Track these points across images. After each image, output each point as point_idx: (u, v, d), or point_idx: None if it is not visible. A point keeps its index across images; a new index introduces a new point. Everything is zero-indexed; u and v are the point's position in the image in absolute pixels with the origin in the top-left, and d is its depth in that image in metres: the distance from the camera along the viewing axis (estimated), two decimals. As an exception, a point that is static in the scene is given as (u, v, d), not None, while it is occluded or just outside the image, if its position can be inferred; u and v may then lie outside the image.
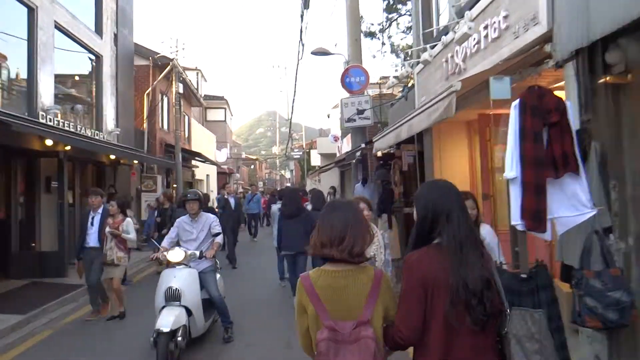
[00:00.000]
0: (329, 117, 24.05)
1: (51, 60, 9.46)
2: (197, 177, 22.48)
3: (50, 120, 9.01)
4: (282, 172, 70.78)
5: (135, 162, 13.36)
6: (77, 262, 6.41)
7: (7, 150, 8.29)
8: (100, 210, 6.33)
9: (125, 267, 6.63)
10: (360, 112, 8.38)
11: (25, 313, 6.12)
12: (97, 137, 11.10)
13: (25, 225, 8.63)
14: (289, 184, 52.74)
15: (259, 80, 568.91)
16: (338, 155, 16.97)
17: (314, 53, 9.63)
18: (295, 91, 16.59)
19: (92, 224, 6.28)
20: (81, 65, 11.74)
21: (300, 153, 33.71)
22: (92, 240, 6.25)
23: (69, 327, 6.17)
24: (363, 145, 7.14)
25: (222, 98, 36.59)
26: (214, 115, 36.38)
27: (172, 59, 14.88)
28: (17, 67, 8.89)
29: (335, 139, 18.18)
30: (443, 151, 6.94)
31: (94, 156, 11.13)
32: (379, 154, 9.16)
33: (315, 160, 26.82)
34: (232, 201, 10.56)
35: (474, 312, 1.65)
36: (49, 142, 8.56)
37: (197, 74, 29.51)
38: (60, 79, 10.36)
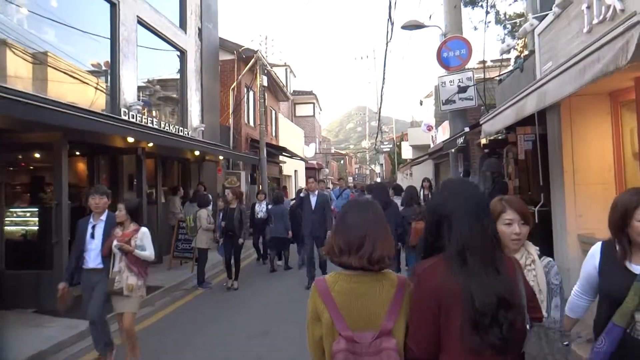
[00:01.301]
0: (421, 104, 22.32)
1: (134, 56, 9.35)
2: (285, 172, 22.23)
3: (133, 117, 8.89)
4: (372, 166, 69.57)
5: (221, 158, 13.15)
6: (61, 287, 4.38)
7: (90, 147, 8.23)
8: (104, 217, 4.50)
9: (142, 298, 4.57)
10: (462, 89, 6.95)
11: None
12: (181, 134, 10.96)
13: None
14: (378, 179, 51.38)
15: (349, 75, 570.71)
16: (432, 146, 15.41)
17: (404, 27, 8.36)
18: (384, 78, 15.31)
19: (92, 235, 4.45)
20: (166, 60, 11.69)
21: (390, 146, 32.20)
22: (92, 258, 4.43)
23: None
24: (467, 130, 5.79)
25: (310, 93, 36.43)
26: (302, 110, 36.41)
27: (257, 51, 14.47)
28: (100, 62, 8.86)
29: (429, 128, 16.60)
30: (575, 133, 5.35)
31: (179, 153, 11.00)
32: (484, 141, 7.67)
33: (407, 153, 25.23)
34: (313, 200, 7.93)
35: (486, 335, 1.44)
36: (130, 139, 8.41)
37: (286, 69, 29.57)
38: (144, 75, 10.35)
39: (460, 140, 5.91)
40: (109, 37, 8.72)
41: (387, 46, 11.46)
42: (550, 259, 2.10)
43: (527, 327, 1.54)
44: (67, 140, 6.44)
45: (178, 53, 11.87)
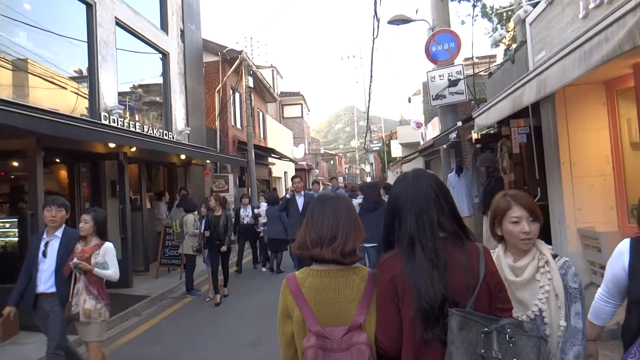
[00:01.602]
0: (409, 101, 22.19)
1: (113, 59, 9.03)
2: (275, 174, 21.95)
3: (114, 121, 8.58)
4: (362, 165, 69.55)
5: (208, 161, 12.86)
6: (6, 311, 3.77)
7: (69, 153, 7.91)
8: (59, 233, 3.83)
9: (106, 324, 3.87)
10: (452, 83, 6.77)
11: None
12: (165, 137, 10.65)
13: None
14: (368, 178, 51.24)
15: (336, 75, 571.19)
16: (422, 143, 15.26)
17: (391, 22, 8.16)
18: (371, 76, 15.09)
19: (44, 254, 3.78)
20: (149, 63, 11.37)
21: (380, 144, 32.07)
22: (43, 281, 3.75)
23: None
24: (459, 124, 5.60)
25: (298, 94, 36.21)
26: (290, 111, 36.18)
27: (241, 52, 14.19)
28: (79, 67, 8.54)
29: (418, 125, 16.44)
30: (571, 124, 5.19)
31: (164, 157, 10.69)
32: (475, 135, 7.50)
33: (396, 151, 25.10)
34: (300, 202, 7.36)
35: (434, 328, 1.43)
36: (111, 145, 8.11)
37: (272, 71, 29.39)
38: (127, 79, 10.04)
39: (453, 135, 5.72)
40: (86, 39, 8.41)
41: (373, 43, 11.28)
42: (566, 258, 1.88)
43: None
44: (42, 146, 6.13)
45: (160, 55, 11.56)
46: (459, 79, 6.87)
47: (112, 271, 3.79)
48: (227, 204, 7.52)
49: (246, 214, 9.62)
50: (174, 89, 11.82)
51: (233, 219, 8.31)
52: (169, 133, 11.14)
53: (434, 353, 1.45)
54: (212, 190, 12.95)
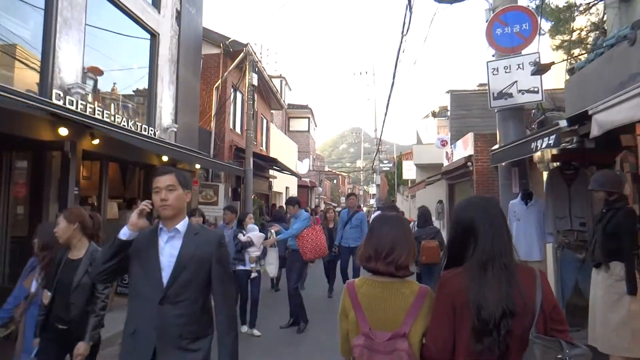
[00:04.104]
0: (434, 115, 20.17)
1: (80, 26, 7.11)
2: (275, 189, 19.88)
3: (71, 103, 6.61)
4: (366, 187, 67.70)
5: (198, 166, 10.84)
6: None
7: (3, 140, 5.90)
8: None
9: None
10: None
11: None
12: (144, 133, 8.67)
13: (18, 248, 6.09)
14: (372, 201, 49.07)
15: (344, 96, 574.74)
16: (447, 164, 13.24)
17: (441, 0, 6.25)
18: (393, 81, 13.12)
19: None
20: (133, 44, 9.46)
21: (390, 165, 30.05)
22: None
23: None
24: (564, 125, 3.55)
25: (306, 107, 34.61)
26: (297, 125, 34.55)
27: (247, 44, 12.31)
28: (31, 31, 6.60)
29: (443, 143, 14.44)
30: None
31: (141, 157, 8.70)
32: (551, 152, 5.48)
33: (409, 173, 23.07)
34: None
35: (485, 340, 1.58)
36: (63, 132, 6.14)
37: (281, 81, 27.93)
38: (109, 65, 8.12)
39: (550, 141, 3.70)
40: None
41: (402, 37, 9.36)
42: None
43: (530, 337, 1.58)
44: None
45: (148, 36, 9.68)
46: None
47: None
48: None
49: (227, 234, 6.47)
50: (162, 76, 9.89)
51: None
52: (151, 128, 9.17)
53: None
54: (198, 203, 10.89)
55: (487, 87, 5.90)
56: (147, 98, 9.62)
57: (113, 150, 7.52)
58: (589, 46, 7.84)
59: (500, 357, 1.57)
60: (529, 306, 1.59)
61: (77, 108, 6.70)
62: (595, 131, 3.43)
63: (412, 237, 1.95)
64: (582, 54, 6.72)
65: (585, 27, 7.96)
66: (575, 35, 8.09)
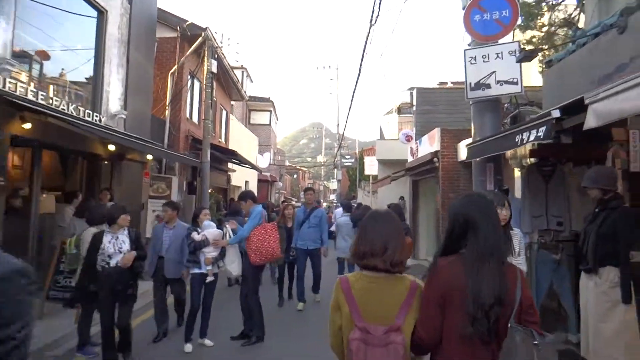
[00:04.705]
0: (399, 111, 19.96)
1: (10, -6, 6.20)
2: (234, 183, 19.11)
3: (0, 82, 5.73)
4: (326, 182, 67.64)
5: (149, 157, 10.02)
6: None
7: None
8: None
9: None
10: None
11: None
12: (88, 119, 7.80)
13: None
14: (332, 196, 48.89)
15: (305, 91, 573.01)
16: (411, 160, 13.00)
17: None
18: (360, 71, 12.72)
19: None
20: (77, 20, 8.51)
21: (353, 160, 29.81)
22: None
23: None
24: (556, 115, 3.23)
25: (268, 100, 33.87)
26: (258, 118, 33.78)
27: (205, 28, 11.53)
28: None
29: (408, 138, 14.21)
30: None
31: (84, 145, 7.82)
32: (528, 147, 5.21)
33: (371, 168, 22.87)
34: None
35: (476, 325, 1.69)
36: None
37: (243, 72, 27.12)
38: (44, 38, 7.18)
39: (540, 133, 3.35)
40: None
41: (371, 24, 8.94)
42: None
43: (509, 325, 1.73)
44: None
45: (95, 13, 8.76)
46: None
47: None
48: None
49: (167, 234, 5.81)
50: (109, 58, 8.99)
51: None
52: (96, 114, 8.29)
53: (477, 349, 1.72)
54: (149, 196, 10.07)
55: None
56: (92, 81, 8.71)
57: (49, 136, 6.66)
58: (558, 42, 7.72)
59: (485, 342, 1.71)
60: (511, 298, 1.74)
61: (4, 87, 5.83)
62: (591, 122, 3.09)
63: (404, 233, 2.04)
64: (551, 48, 6.51)
65: (554, 22, 7.81)
66: (544, 30, 7.94)
